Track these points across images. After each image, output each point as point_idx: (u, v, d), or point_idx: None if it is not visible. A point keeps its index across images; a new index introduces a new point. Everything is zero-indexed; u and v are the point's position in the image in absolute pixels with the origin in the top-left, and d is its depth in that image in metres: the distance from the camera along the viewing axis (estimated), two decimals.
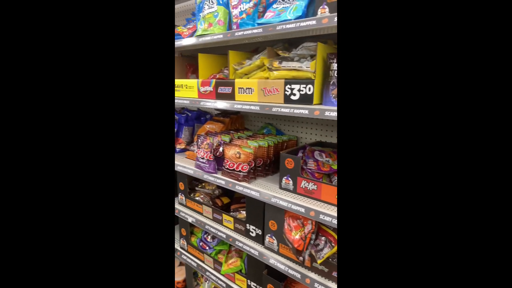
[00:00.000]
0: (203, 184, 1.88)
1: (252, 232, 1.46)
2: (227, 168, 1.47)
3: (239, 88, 1.35)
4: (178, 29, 1.61)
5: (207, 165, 1.57)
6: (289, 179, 1.28)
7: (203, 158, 1.59)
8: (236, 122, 1.99)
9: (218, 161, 1.59)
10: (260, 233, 1.42)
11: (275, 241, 1.35)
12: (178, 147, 2.00)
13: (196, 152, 1.66)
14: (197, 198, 1.78)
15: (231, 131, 1.77)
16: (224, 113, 2.06)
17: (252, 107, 1.27)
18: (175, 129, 1.96)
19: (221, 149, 1.58)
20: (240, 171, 1.43)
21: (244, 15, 1.26)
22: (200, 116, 2.14)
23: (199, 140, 1.66)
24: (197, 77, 1.81)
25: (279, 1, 1.20)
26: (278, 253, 1.35)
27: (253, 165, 1.43)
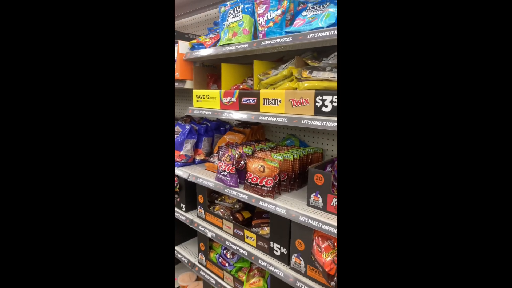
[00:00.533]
0: (223, 197, 1.81)
1: (276, 251, 1.37)
2: (250, 182, 1.40)
3: (264, 99, 1.29)
4: (200, 39, 1.58)
5: (229, 178, 1.51)
6: (319, 196, 1.19)
7: (224, 171, 1.53)
8: (257, 133, 1.93)
9: (240, 174, 1.52)
10: (285, 252, 1.33)
11: (302, 262, 1.26)
12: (198, 158, 1.96)
13: (217, 164, 1.60)
14: (216, 212, 1.72)
15: (252, 142, 1.71)
16: (244, 123, 2.00)
17: (279, 119, 1.20)
18: (195, 140, 1.92)
19: (243, 161, 1.51)
20: (264, 185, 1.35)
21: (271, 24, 1.21)
22: (219, 126, 2.10)
23: (220, 151, 1.60)
24: (219, 87, 1.77)
25: (309, 9, 1.15)
26: (305, 275, 1.26)
27: (277, 179, 1.35)
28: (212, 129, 2.05)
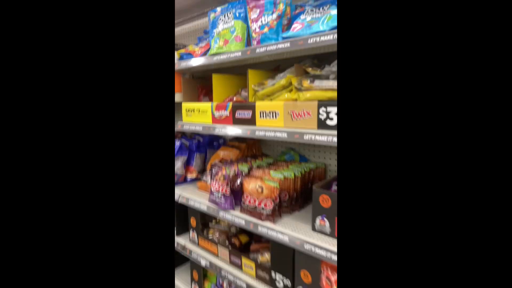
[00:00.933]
0: (218, 219, 1.65)
1: (278, 282, 1.21)
2: (247, 205, 1.25)
3: (260, 111, 1.16)
4: (189, 48, 1.46)
5: (223, 201, 1.36)
6: (325, 220, 1.05)
7: (218, 192, 1.38)
8: (253, 147, 1.79)
9: (236, 195, 1.38)
10: (289, 285, 1.17)
11: None
12: (190, 176, 1.80)
13: (210, 184, 1.45)
14: (211, 237, 1.55)
15: (249, 158, 1.57)
16: (239, 137, 1.86)
17: (278, 134, 1.07)
18: (186, 156, 1.77)
19: (238, 181, 1.37)
20: (263, 208, 1.21)
21: (266, 29, 1.10)
22: (212, 141, 1.96)
23: (213, 169, 1.45)
24: (211, 100, 1.64)
25: (308, 12, 1.04)
26: None
27: (278, 200, 1.21)
28: (204, 145, 1.90)
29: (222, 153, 1.75)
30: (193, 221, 1.62)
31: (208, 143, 1.93)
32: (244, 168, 1.40)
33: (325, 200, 1.04)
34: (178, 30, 2.15)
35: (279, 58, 1.34)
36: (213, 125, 1.35)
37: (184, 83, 1.54)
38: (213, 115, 1.35)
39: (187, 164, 1.81)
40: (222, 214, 1.36)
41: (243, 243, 1.53)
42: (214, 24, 1.29)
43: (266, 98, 1.22)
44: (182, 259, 1.94)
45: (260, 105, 1.16)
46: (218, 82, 1.38)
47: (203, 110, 1.39)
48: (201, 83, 1.61)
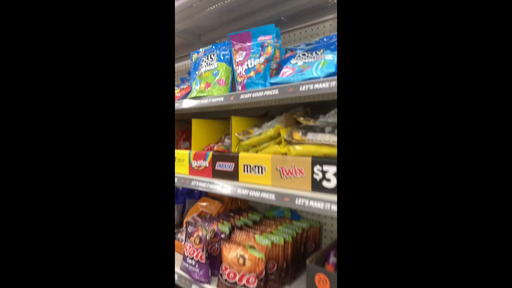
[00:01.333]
0: None
1: None
2: (226, 280, 1.01)
3: (244, 165, 0.99)
4: None
5: (197, 269, 1.11)
6: None
7: (191, 259, 1.14)
8: (239, 199, 1.58)
9: (214, 262, 1.14)
10: None
11: None
12: None
13: (184, 245, 1.21)
14: None
15: (232, 213, 1.35)
16: None
17: (265, 195, 0.88)
18: None
19: (217, 245, 1.14)
20: (244, 286, 0.97)
21: (252, 73, 0.97)
22: (192, 190, 1.74)
23: (188, 227, 1.23)
24: (191, 145, 1.46)
25: (299, 56, 0.93)
26: None
27: (263, 274, 0.98)
28: (183, 194, 1.69)
29: (202, 205, 1.53)
30: None
31: (188, 192, 1.71)
32: (224, 228, 1.18)
33: (323, 281, 0.82)
34: None
35: (267, 105, 1.21)
36: (189, 177, 1.15)
37: None
38: (190, 165, 1.17)
39: None
40: None
41: None
42: (196, 66, 1.17)
43: (251, 149, 1.05)
44: None
45: (244, 157, 0.99)
46: (198, 128, 1.22)
47: (180, 159, 1.21)
48: (181, 127, 1.45)
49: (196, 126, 1.21)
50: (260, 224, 1.23)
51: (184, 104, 1.17)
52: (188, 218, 1.46)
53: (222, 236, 1.17)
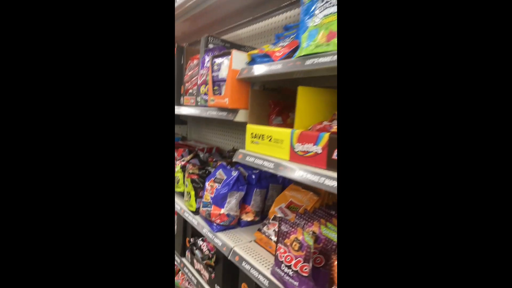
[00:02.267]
0: None
1: None
2: None
3: None
4: (265, 49, 1.03)
5: (297, 283, 0.86)
6: None
7: (289, 267, 0.89)
8: None
9: (316, 276, 0.87)
10: None
11: None
12: (245, 218, 1.36)
13: (277, 248, 0.97)
14: None
15: (332, 211, 1.05)
16: None
17: None
18: (243, 192, 1.33)
19: (324, 258, 0.86)
20: None
21: None
22: (275, 174, 1.49)
23: (281, 225, 0.98)
24: (284, 122, 1.18)
25: None
26: None
27: None
28: (266, 177, 1.45)
29: (290, 194, 1.26)
30: None
31: (271, 175, 1.47)
32: (332, 234, 0.89)
33: None
34: (246, 31, 1.77)
35: None
36: (290, 165, 0.87)
37: (252, 97, 1.11)
38: (292, 148, 0.88)
39: (242, 202, 1.37)
40: None
41: None
42: (308, 11, 0.84)
43: None
44: None
45: None
46: (305, 99, 0.91)
47: (278, 139, 0.94)
48: (274, 98, 1.16)
49: (304, 95, 0.90)
50: None
51: (292, 66, 0.86)
52: (274, 209, 1.23)
53: (330, 244, 0.88)
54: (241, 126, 1.81)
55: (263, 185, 1.41)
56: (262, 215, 1.41)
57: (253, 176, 1.38)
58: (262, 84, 1.17)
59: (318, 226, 0.95)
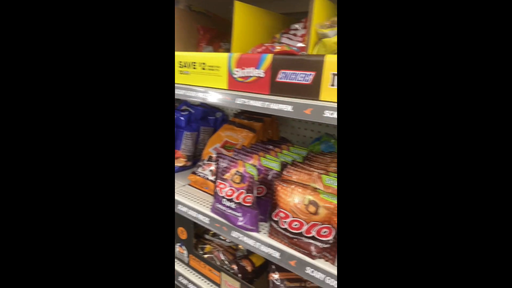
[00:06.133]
0: None
1: None
2: (286, 230, 0.77)
3: (334, 74, 0.64)
4: None
5: (240, 214, 0.86)
6: None
7: (230, 201, 0.87)
8: (269, 128, 1.27)
9: (261, 206, 0.88)
10: None
11: None
12: (177, 164, 1.25)
13: (215, 184, 0.93)
14: (209, 257, 1.07)
15: (270, 145, 1.06)
16: (248, 112, 1.31)
17: None
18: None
19: (265, 187, 0.87)
20: (315, 238, 0.74)
21: None
22: (207, 115, 1.40)
23: (219, 162, 0.93)
24: (216, 51, 1.05)
25: None
26: None
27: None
28: (197, 119, 1.34)
29: (225, 134, 1.21)
30: (181, 233, 1.11)
31: (202, 118, 1.37)
32: (272, 164, 0.90)
33: None
34: None
35: None
36: (230, 92, 0.79)
37: (178, 19, 0.92)
38: (230, 74, 0.80)
39: None
40: (235, 236, 0.87)
41: (257, 266, 1.07)
42: None
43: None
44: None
45: (332, 62, 0.63)
46: (243, 18, 0.80)
47: (213, 66, 0.82)
48: (203, 23, 1.00)
49: (241, 13, 0.79)
50: (313, 160, 0.95)
51: None
52: (208, 149, 1.16)
53: (271, 174, 0.89)
54: None
55: (193, 127, 1.30)
56: (195, 160, 1.33)
57: (182, 118, 1.25)
58: (187, 3, 0.98)
59: (258, 158, 0.94)
